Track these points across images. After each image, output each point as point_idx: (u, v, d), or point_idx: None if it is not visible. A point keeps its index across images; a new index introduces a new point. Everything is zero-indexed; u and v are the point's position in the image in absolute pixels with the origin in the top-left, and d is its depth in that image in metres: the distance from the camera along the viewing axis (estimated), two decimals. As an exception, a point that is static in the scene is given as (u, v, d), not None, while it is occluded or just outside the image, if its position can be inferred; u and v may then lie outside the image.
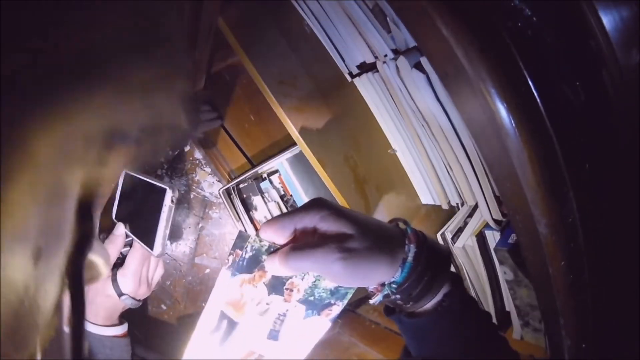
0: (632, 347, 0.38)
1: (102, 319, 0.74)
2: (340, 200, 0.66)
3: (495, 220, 0.63)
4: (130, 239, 0.78)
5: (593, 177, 0.34)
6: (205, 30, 0.67)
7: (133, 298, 0.76)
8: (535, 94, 0.29)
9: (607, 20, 0.32)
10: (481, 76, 0.25)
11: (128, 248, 0.78)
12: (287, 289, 0.40)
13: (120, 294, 0.74)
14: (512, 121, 0.27)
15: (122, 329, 0.77)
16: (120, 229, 0.77)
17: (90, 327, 0.73)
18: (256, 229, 0.95)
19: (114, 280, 0.75)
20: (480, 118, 0.29)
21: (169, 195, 0.71)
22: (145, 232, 0.74)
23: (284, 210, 0.93)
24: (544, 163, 0.30)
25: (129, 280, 0.75)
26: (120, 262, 0.77)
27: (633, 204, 0.36)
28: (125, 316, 0.81)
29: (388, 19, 0.59)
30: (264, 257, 0.39)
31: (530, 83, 0.29)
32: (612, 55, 0.33)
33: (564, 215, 0.32)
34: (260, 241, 0.39)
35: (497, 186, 0.35)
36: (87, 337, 0.71)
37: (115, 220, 0.79)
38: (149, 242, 0.73)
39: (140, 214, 0.76)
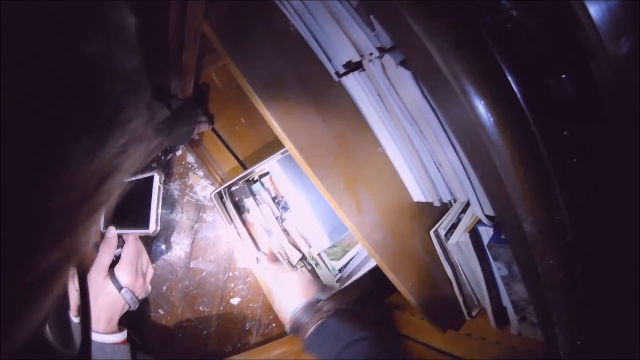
0: (632, 346, 0.38)
1: (103, 324, 0.76)
2: (330, 201, 0.66)
3: (487, 217, 0.63)
4: (121, 242, 0.82)
5: (583, 172, 0.33)
6: (190, 34, 0.67)
7: (132, 293, 0.79)
8: (516, 89, 0.28)
9: (594, 9, 0.31)
10: (456, 73, 0.24)
11: (121, 249, 0.81)
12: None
13: (120, 288, 0.77)
14: (491, 119, 0.26)
15: (121, 336, 0.78)
16: (112, 232, 0.81)
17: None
18: (249, 231, 0.95)
19: (112, 276, 0.78)
20: (460, 116, 0.28)
21: (157, 179, 0.79)
22: (137, 220, 0.80)
23: (276, 211, 0.92)
24: (527, 160, 0.29)
25: (126, 273, 0.79)
26: (115, 263, 0.80)
27: (628, 198, 0.35)
28: (124, 322, 0.81)
29: (372, 17, 0.58)
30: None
31: (509, 78, 0.28)
32: (600, 45, 0.32)
33: (551, 213, 0.32)
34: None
35: (482, 184, 0.34)
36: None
37: (104, 230, 0.82)
38: (143, 224, 0.78)
39: (129, 209, 0.82)
